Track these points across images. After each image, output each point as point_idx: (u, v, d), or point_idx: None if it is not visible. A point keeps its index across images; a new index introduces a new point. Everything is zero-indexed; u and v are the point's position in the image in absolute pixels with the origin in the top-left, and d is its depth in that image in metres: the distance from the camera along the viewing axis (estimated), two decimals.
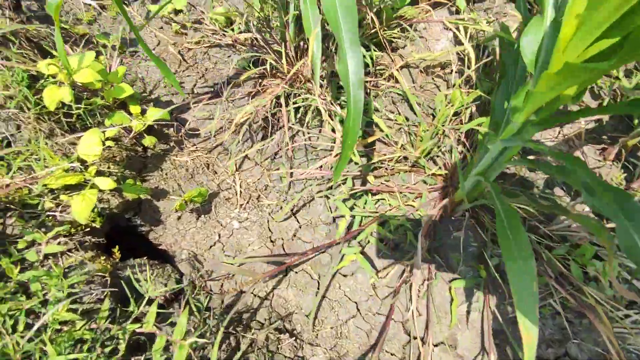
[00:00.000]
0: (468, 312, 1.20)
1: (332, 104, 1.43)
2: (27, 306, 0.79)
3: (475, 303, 1.20)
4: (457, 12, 1.94)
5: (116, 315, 0.91)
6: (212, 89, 1.68)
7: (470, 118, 1.42)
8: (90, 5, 1.79)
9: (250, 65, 1.59)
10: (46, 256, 0.95)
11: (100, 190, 1.06)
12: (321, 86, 1.51)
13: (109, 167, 1.22)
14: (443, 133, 1.34)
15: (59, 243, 0.99)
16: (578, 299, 1.11)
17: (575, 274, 1.13)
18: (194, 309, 1.00)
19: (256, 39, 1.70)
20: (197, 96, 1.65)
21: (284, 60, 1.48)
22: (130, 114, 1.30)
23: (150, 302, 0.94)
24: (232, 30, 1.81)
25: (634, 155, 1.47)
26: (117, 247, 1.06)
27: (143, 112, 1.37)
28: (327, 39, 1.51)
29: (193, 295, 1.16)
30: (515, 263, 0.74)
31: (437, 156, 1.40)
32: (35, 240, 0.95)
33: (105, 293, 0.93)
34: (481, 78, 1.47)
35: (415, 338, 1.17)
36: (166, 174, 1.41)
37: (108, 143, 1.24)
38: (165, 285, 1.10)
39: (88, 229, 1.10)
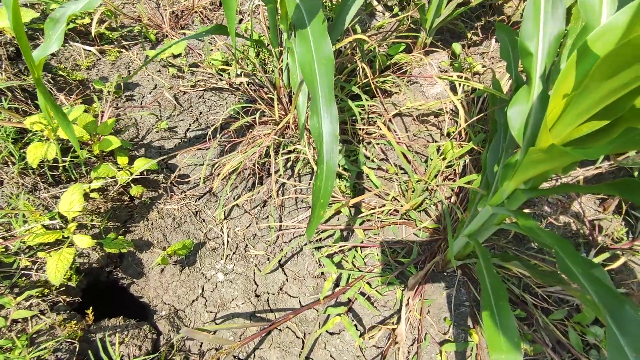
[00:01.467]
0: None
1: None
2: None
3: None
4: (454, 56, 1.96)
5: None
6: (206, 134, 1.68)
7: (464, 170, 1.39)
8: (90, 51, 1.83)
9: (242, 114, 1.60)
10: (14, 321, 0.92)
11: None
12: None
13: (91, 220, 1.20)
14: (437, 186, 1.31)
15: (30, 305, 0.96)
16: None
17: (574, 342, 1.06)
18: None
19: (251, 83, 1.71)
20: (190, 141, 1.65)
21: (275, 109, 1.48)
22: (117, 164, 1.29)
23: None
24: (228, 74, 1.84)
25: (634, 207, 1.42)
26: (90, 308, 1.03)
27: (131, 160, 1.37)
28: None
29: (169, 357, 1.11)
30: (500, 354, 0.68)
31: (430, 208, 1.37)
32: (3, 304, 0.92)
33: None
34: (475, 129, 1.45)
35: None
36: (152, 224, 1.38)
37: (93, 195, 1.22)
38: (140, 348, 1.05)
39: (63, 288, 1.07)
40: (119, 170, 1.26)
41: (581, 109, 0.62)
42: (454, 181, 1.35)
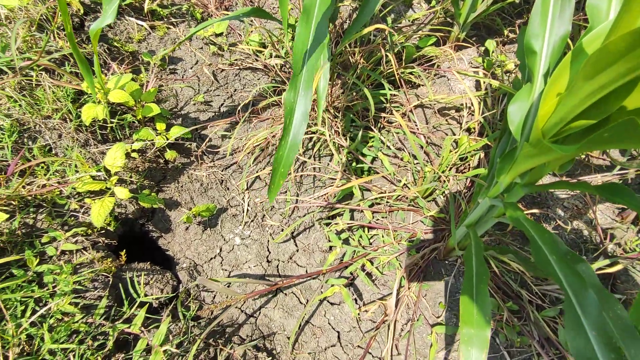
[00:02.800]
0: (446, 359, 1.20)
1: (342, 136, 1.50)
2: (36, 295, 0.92)
3: (454, 352, 1.19)
4: (486, 52, 1.95)
5: (111, 313, 1.02)
6: (237, 109, 1.81)
7: (478, 164, 1.42)
8: (142, 25, 2.00)
9: (270, 93, 1.70)
10: (63, 252, 1.09)
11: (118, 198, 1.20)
12: (335, 117, 1.58)
13: (130, 176, 1.36)
14: (447, 177, 1.35)
15: (75, 242, 1.13)
16: None
17: (562, 340, 1.09)
18: (181, 317, 1.09)
19: (283, 65, 1.81)
20: (222, 115, 1.79)
21: None
22: (156, 130, 1.44)
23: (142, 305, 1.04)
24: (264, 55, 1.94)
25: None
26: (124, 250, 1.19)
27: (168, 127, 1.51)
28: (339, 76, 1.58)
29: (185, 303, 1.26)
30: (470, 328, 0.75)
31: (439, 198, 1.42)
32: (56, 237, 1.09)
33: (106, 292, 1.05)
34: (495, 126, 1.47)
35: None
36: (182, 187, 1.53)
37: (133, 155, 1.38)
38: (162, 290, 1.20)
39: (103, 231, 1.24)
40: (157, 135, 1.41)
41: (570, 107, 0.66)
42: (467, 172, 1.38)
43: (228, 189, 1.60)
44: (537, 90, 0.80)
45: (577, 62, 0.66)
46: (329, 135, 1.43)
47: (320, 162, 1.58)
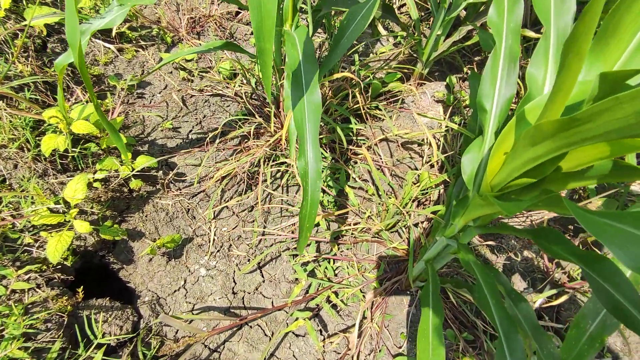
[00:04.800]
0: None
1: None
2: None
3: None
4: (448, 88, 2.07)
5: (65, 356, 0.98)
6: (207, 137, 1.80)
7: (438, 198, 1.50)
8: (109, 48, 1.97)
9: (240, 124, 1.71)
10: (13, 291, 1.04)
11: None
12: None
13: (92, 207, 1.32)
14: (408, 212, 1.42)
15: (28, 279, 1.08)
16: None
17: None
18: (141, 358, 1.06)
19: (254, 94, 1.84)
20: (191, 142, 1.78)
21: (272, 123, 1.60)
22: (121, 159, 1.41)
23: (100, 346, 1.01)
24: (234, 83, 1.96)
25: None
26: (81, 287, 1.15)
27: (135, 155, 1.49)
28: None
29: (146, 340, 1.22)
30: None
31: (401, 230, 1.48)
32: (5, 275, 1.04)
33: (60, 333, 1.01)
34: (455, 160, 1.56)
35: None
36: (146, 217, 1.50)
37: (95, 184, 1.35)
38: (122, 328, 1.17)
39: (59, 266, 1.19)
40: (122, 164, 1.38)
41: (513, 167, 0.73)
42: (427, 208, 1.46)
43: (194, 218, 1.58)
44: (487, 145, 0.87)
45: (520, 126, 0.73)
46: (296, 167, 1.47)
47: (287, 194, 1.60)
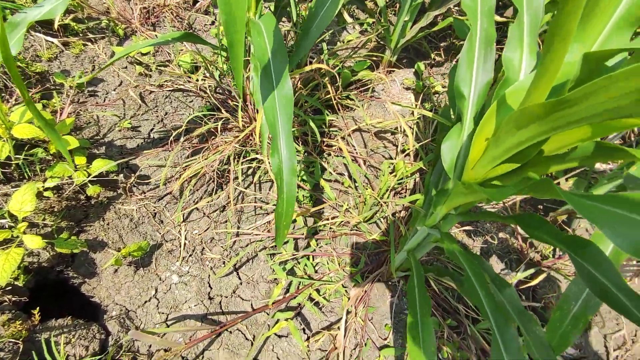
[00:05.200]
0: None
1: None
2: None
3: None
4: (417, 74, 2.07)
5: None
6: (170, 134, 1.69)
7: (414, 186, 1.49)
8: (52, 42, 1.79)
9: (205, 120, 1.62)
10: None
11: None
12: None
13: (44, 219, 1.20)
14: (385, 202, 1.40)
15: None
16: None
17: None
18: None
19: (219, 87, 1.74)
20: (153, 141, 1.66)
21: (239, 118, 1.52)
22: (75, 164, 1.29)
23: None
24: (196, 75, 1.85)
25: (563, 229, 1.57)
26: (37, 308, 1.04)
27: (90, 159, 1.36)
28: None
29: (117, 358, 1.13)
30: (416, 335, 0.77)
31: (380, 221, 1.46)
32: None
33: None
34: (429, 148, 1.55)
35: None
36: (108, 224, 1.39)
37: (47, 194, 1.22)
38: (87, 348, 1.07)
39: (9, 287, 1.07)
40: (76, 170, 1.26)
41: (496, 153, 0.71)
42: (404, 197, 1.44)
43: (162, 222, 1.48)
44: (467, 132, 0.86)
45: (501, 111, 0.71)
46: (269, 163, 1.40)
47: (260, 191, 1.54)
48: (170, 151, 1.61)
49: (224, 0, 0.77)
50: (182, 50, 1.97)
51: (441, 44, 2.22)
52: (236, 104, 1.64)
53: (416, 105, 1.60)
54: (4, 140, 1.09)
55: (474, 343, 1.22)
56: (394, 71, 2.02)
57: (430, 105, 1.86)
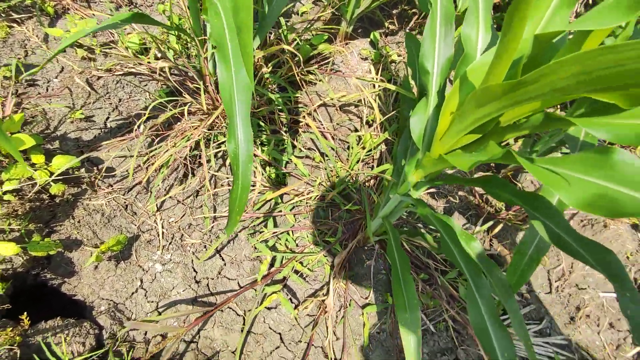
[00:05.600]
0: (378, 333, 1.37)
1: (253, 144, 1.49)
2: None
3: (384, 325, 1.37)
4: (372, 44, 2.11)
5: None
6: (128, 122, 1.62)
7: (380, 157, 1.58)
8: None
9: (170, 107, 1.56)
10: None
11: None
12: None
13: (9, 224, 1.14)
14: (356, 173, 1.48)
15: None
16: (462, 315, 1.33)
17: (463, 295, 1.35)
18: None
19: (173, 69, 1.67)
20: (111, 131, 1.59)
21: (203, 100, 1.49)
22: (32, 163, 1.22)
23: None
24: (148, 60, 1.75)
25: (512, 182, 1.76)
26: (25, 313, 1.02)
27: (48, 157, 1.29)
28: None
29: (115, 349, 1.15)
30: (405, 313, 0.89)
31: (352, 192, 1.54)
32: None
33: None
34: (390, 118, 1.64)
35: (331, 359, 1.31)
36: (79, 222, 1.35)
37: (7, 197, 1.15)
38: (84, 344, 1.08)
39: None
40: (35, 170, 1.19)
41: (461, 127, 0.80)
42: (372, 167, 1.53)
43: (135, 213, 1.46)
44: (432, 105, 0.93)
45: (464, 87, 0.79)
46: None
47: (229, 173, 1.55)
48: (132, 140, 1.56)
49: None
50: (126, 29, 1.84)
51: (393, 12, 2.26)
52: (197, 86, 1.59)
53: (377, 79, 1.66)
54: None
55: (444, 291, 1.38)
56: (350, 42, 2.05)
57: (389, 75, 1.93)
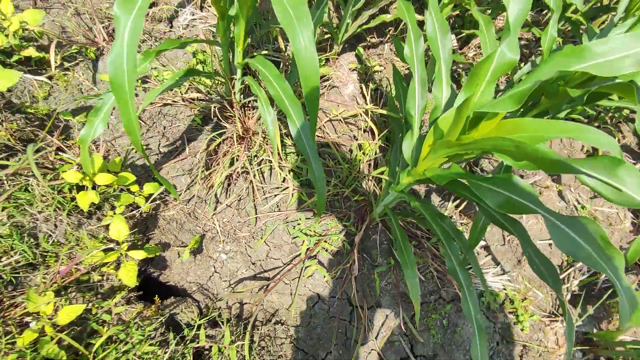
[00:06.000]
0: (386, 285, 1.94)
1: (282, 160, 1.98)
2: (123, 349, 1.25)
3: (389, 280, 1.94)
4: (357, 57, 2.57)
5: (168, 339, 1.40)
6: (175, 147, 2.05)
7: (376, 160, 2.10)
8: (41, 81, 1.95)
9: (215, 135, 2.00)
10: (119, 318, 1.37)
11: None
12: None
13: (133, 238, 1.60)
14: (362, 175, 2.00)
15: (115, 303, 1.40)
16: (442, 267, 1.93)
17: (442, 252, 1.93)
18: (225, 324, 1.53)
19: (204, 100, 2.10)
20: (165, 155, 2.02)
21: (238, 126, 1.94)
22: (131, 192, 1.66)
23: (199, 327, 1.44)
24: (180, 91, 2.15)
25: (472, 168, 2.33)
26: (156, 295, 1.51)
27: (138, 184, 1.73)
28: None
29: (208, 313, 1.67)
30: (407, 269, 1.44)
31: (359, 186, 2.07)
32: (103, 306, 1.35)
33: (168, 328, 1.41)
34: (379, 122, 2.14)
35: (356, 307, 1.88)
36: (163, 230, 1.82)
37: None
38: (193, 312, 1.59)
39: (127, 288, 1.52)
40: (135, 197, 1.64)
41: (435, 156, 1.31)
42: (370, 164, 2.05)
43: (197, 218, 1.94)
44: (415, 136, 1.45)
45: (436, 132, 1.30)
46: (275, 163, 1.90)
47: (269, 181, 2.03)
48: (183, 160, 2.00)
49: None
50: (156, 67, 2.22)
51: (373, 26, 2.71)
52: (230, 114, 2.03)
53: (367, 98, 2.14)
54: (90, 189, 1.43)
55: (429, 252, 1.96)
56: (339, 57, 2.50)
57: (374, 85, 2.41)
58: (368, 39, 2.64)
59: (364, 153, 1.99)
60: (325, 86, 2.29)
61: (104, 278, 1.46)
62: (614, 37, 0.92)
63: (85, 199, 1.41)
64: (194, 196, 1.96)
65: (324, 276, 1.87)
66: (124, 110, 1.13)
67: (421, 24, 2.45)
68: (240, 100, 2.04)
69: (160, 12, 2.40)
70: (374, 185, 1.99)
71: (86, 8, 2.29)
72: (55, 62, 1.90)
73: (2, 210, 1.31)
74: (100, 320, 1.35)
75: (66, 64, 2.09)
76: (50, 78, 2.01)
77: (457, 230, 1.50)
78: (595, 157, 0.97)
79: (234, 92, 1.98)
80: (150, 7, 2.41)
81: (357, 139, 2.14)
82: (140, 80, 2.17)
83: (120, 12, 1.02)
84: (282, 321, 1.79)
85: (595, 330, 2.02)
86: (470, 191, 1.34)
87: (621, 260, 0.92)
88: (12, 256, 1.26)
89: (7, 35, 1.72)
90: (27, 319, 1.18)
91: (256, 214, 1.98)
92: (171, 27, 2.42)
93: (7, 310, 1.21)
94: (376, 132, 2.08)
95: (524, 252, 1.25)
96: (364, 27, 2.32)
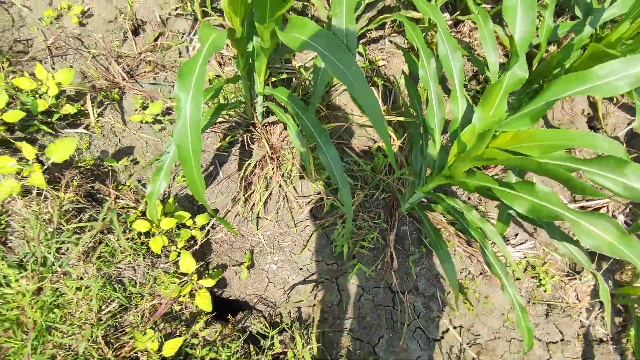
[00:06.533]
0: (420, 270, 2.16)
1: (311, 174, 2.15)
2: None
3: (423, 265, 2.16)
4: (360, 55, 2.67)
5: (250, 351, 1.64)
6: (209, 172, 2.22)
7: (397, 159, 2.26)
8: (80, 133, 2.10)
9: (250, 163, 2.16)
10: (206, 340, 1.60)
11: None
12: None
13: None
14: (386, 177, 2.17)
15: (200, 329, 1.64)
16: (467, 247, 2.14)
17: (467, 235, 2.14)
18: (286, 327, 1.77)
19: (226, 122, 2.25)
20: (207, 179, 2.20)
21: (266, 146, 2.10)
22: (187, 226, 1.86)
23: (272, 337, 1.68)
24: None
25: None
26: (229, 314, 1.74)
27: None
28: None
29: (271, 320, 1.91)
30: (445, 264, 1.65)
31: (385, 186, 2.25)
32: (192, 332, 1.59)
33: (247, 341, 1.65)
34: (395, 127, 2.29)
35: (397, 292, 2.11)
36: (217, 253, 2.03)
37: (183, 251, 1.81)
38: (261, 322, 1.83)
39: (204, 312, 1.75)
40: (191, 230, 1.84)
41: (460, 165, 1.49)
42: (391, 167, 2.22)
43: (243, 236, 2.14)
44: (438, 146, 1.61)
45: (459, 143, 1.46)
46: (311, 181, 2.07)
47: (296, 191, 2.21)
48: (219, 184, 2.18)
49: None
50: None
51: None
52: (257, 135, 2.19)
53: (387, 112, 2.28)
54: (160, 235, 1.63)
55: (455, 235, 2.17)
56: None
57: (382, 81, 2.53)
58: (367, 34, 2.72)
59: (385, 156, 2.15)
60: (336, 89, 2.41)
61: (184, 307, 1.69)
62: (611, 62, 1.06)
63: (158, 244, 1.60)
64: (236, 216, 2.15)
65: (366, 272, 2.09)
66: (189, 173, 1.29)
67: (417, 20, 2.54)
68: (262, 120, 2.19)
69: (170, 42, 2.49)
70: (396, 183, 2.17)
71: (99, 50, 2.39)
72: (94, 114, 2.04)
73: (95, 266, 1.51)
74: (190, 344, 1.58)
75: (97, 110, 2.23)
76: (86, 127, 2.16)
77: (482, 219, 1.69)
78: (601, 157, 1.14)
79: (256, 115, 2.12)
80: (156, 39, 2.50)
81: (375, 142, 2.30)
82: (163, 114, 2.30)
83: (180, 93, 1.16)
84: (335, 316, 2.03)
85: (610, 282, 2.26)
86: (495, 190, 1.52)
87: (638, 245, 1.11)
88: (110, 304, 1.48)
89: (45, 99, 1.85)
90: (139, 354, 1.41)
91: (295, 225, 2.17)
92: (181, 55, 2.52)
93: (117, 350, 1.44)
94: (393, 135, 2.24)
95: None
96: (366, 28, 2.41)
